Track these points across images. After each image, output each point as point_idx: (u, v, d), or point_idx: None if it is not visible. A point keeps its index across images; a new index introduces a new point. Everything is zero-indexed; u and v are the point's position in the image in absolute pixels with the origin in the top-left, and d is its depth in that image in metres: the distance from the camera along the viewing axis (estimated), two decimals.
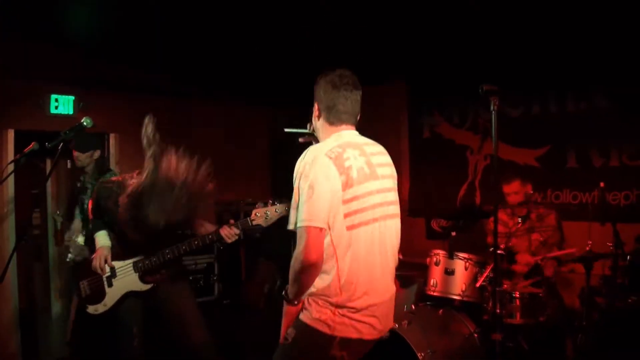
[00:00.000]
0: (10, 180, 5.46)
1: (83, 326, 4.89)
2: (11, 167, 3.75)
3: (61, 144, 3.44)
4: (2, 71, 4.99)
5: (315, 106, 2.77)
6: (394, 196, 2.81)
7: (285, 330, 2.68)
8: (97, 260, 3.62)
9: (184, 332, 3.67)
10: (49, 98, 5.92)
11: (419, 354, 4.03)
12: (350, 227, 2.59)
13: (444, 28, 5.36)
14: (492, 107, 3.31)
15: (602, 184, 4.66)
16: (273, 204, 3.38)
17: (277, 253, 5.67)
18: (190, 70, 6.46)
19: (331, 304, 2.60)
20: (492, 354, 4.02)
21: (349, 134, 2.78)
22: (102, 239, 3.71)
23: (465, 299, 4.60)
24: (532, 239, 5.11)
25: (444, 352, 4.25)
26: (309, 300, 2.64)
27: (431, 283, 4.76)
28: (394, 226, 2.80)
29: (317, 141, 2.77)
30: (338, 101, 2.74)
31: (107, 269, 3.61)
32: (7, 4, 4.50)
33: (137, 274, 3.58)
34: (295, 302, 2.63)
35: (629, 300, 4.41)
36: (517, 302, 4.46)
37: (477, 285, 4.54)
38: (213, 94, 7.11)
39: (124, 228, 3.65)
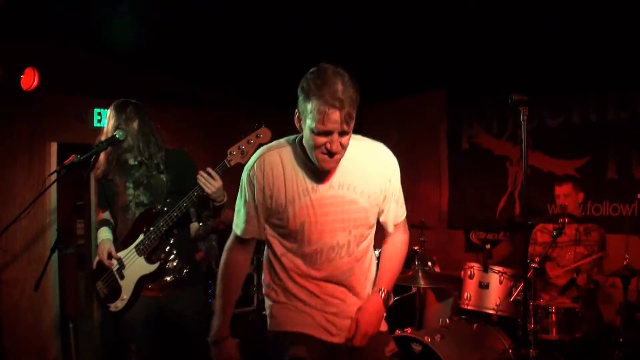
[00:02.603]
0: (53, 191, 5.63)
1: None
2: (52, 179, 3.84)
3: (94, 155, 3.54)
4: (46, 85, 5.13)
5: None
6: None
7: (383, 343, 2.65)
8: (99, 256, 3.59)
9: (196, 337, 3.65)
10: (92, 112, 6.07)
11: None
12: None
13: (483, 37, 5.32)
14: (521, 117, 3.25)
15: (639, 196, 4.54)
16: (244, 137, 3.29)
17: None
18: (232, 83, 6.55)
19: None
20: None
21: None
22: (102, 234, 3.68)
23: (499, 313, 4.51)
24: (577, 251, 5.00)
25: None
26: None
27: (465, 296, 4.70)
28: None
29: None
30: None
31: (115, 261, 3.57)
32: (51, 21, 4.66)
33: (142, 256, 3.51)
34: None
35: None
36: (553, 317, 4.35)
37: (512, 299, 4.45)
38: (254, 107, 7.17)
39: (116, 215, 3.68)
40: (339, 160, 2.38)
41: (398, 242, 2.74)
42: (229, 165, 3.33)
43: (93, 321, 6.09)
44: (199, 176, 3.34)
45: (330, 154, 2.31)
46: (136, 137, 3.55)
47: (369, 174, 2.52)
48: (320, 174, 2.45)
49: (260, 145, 2.99)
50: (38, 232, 5.63)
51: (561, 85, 5.79)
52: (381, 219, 2.67)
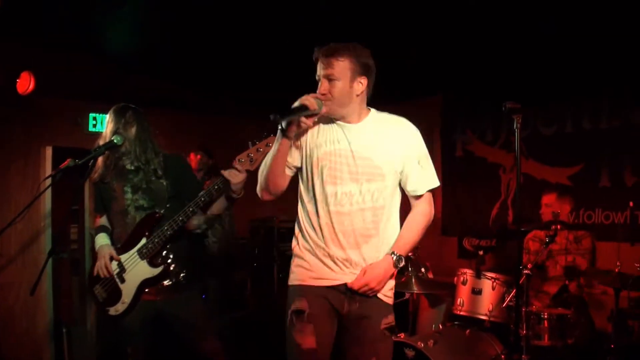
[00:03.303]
0: (47, 196, 5.63)
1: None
2: (47, 183, 3.84)
3: (92, 160, 3.55)
4: (42, 89, 5.14)
5: (366, 80, 2.81)
6: None
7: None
8: (101, 260, 3.56)
9: (193, 340, 3.68)
10: (88, 116, 6.08)
11: None
12: None
13: (477, 45, 5.36)
14: (515, 125, 3.29)
15: (631, 204, 4.59)
16: (254, 144, 3.22)
17: None
18: (230, 88, 6.55)
19: None
20: None
21: None
22: (100, 240, 3.66)
23: (492, 319, 4.53)
24: (567, 260, 5.03)
25: None
26: None
27: (458, 302, 4.73)
28: None
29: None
30: (374, 80, 2.91)
31: (115, 265, 3.56)
32: (49, 28, 4.67)
33: (145, 260, 3.51)
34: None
35: None
36: (545, 323, 4.38)
37: (504, 305, 4.49)
38: (252, 112, 7.18)
39: (113, 219, 3.68)
40: (332, 104, 2.77)
41: (418, 212, 2.91)
42: (239, 172, 3.35)
43: (86, 326, 6.09)
44: (223, 172, 3.31)
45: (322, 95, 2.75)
46: (133, 142, 3.56)
47: (390, 138, 2.83)
48: (350, 132, 2.83)
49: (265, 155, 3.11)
50: (33, 236, 5.64)
51: (555, 93, 5.85)
52: (403, 185, 2.90)
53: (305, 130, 2.86)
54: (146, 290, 3.56)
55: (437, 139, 7.26)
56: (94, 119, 6.11)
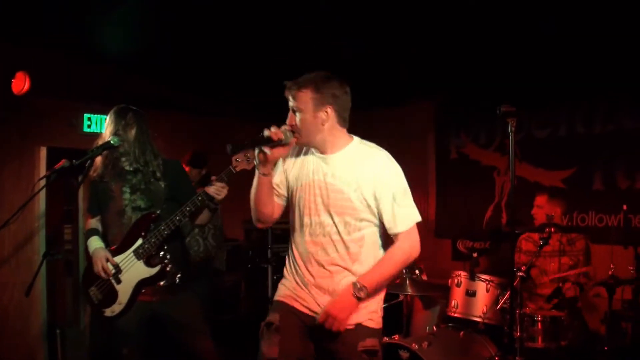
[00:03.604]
0: (42, 196, 5.60)
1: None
2: (42, 184, 3.82)
3: (88, 161, 3.54)
4: (37, 89, 5.12)
5: (329, 109, 2.78)
6: None
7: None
8: (98, 263, 3.54)
9: (188, 341, 3.69)
10: (82, 117, 6.06)
11: None
12: None
13: (472, 49, 5.38)
14: (509, 129, 3.31)
15: (625, 207, 4.61)
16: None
17: None
18: (228, 89, 6.55)
19: None
20: None
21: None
22: (94, 243, 3.65)
23: (486, 321, 4.55)
24: (561, 262, 5.06)
25: None
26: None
27: (452, 304, 4.75)
28: None
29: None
30: (349, 106, 2.88)
31: (111, 267, 3.53)
32: (45, 28, 4.67)
33: (141, 260, 3.51)
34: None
35: None
36: (539, 325, 4.41)
37: (498, 307, 4.51)
38: (251, 114, 7.18)
39: (109, 219, 3.67)
40: (300, 136, 2.81)
41: (397, 248, 2.82)
42: (234, 171, 3.36)
43: (80, 327, 6.07)
44: (207, 189, 3.39)
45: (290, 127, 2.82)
46: (132, 144, 3.56)
47: (362, 172, 2.79)
48: (326, 164, 2.85)
49: None
50: (26, 236, 5.62)
51: (549, 97, 5.87)
52: (381, 221, 2.84)
53: (277, 159, 2.91)
54: (142, 291, 3.56)
55: (431, 142, 7.29)
56: (89, 119, 6.08)
